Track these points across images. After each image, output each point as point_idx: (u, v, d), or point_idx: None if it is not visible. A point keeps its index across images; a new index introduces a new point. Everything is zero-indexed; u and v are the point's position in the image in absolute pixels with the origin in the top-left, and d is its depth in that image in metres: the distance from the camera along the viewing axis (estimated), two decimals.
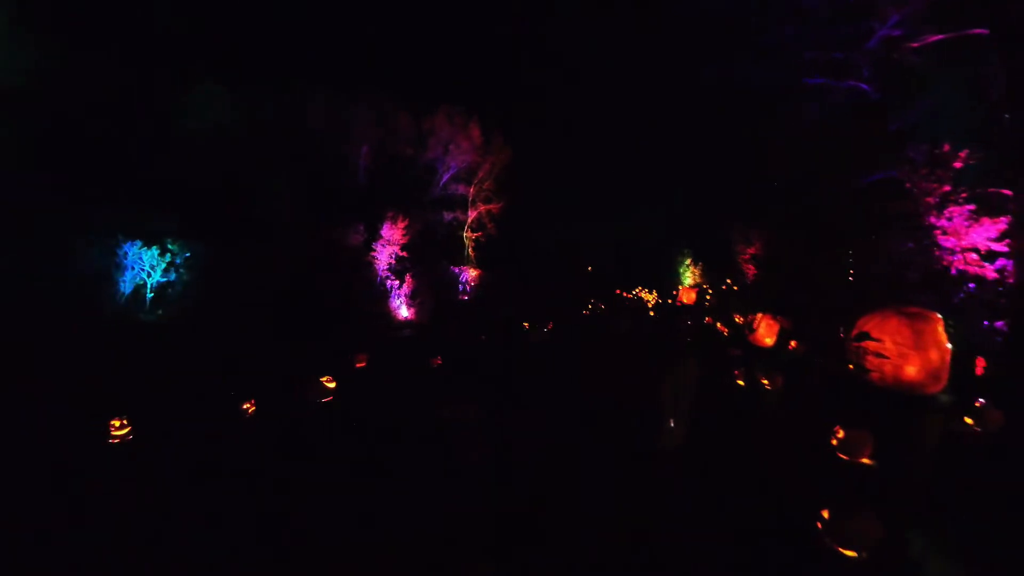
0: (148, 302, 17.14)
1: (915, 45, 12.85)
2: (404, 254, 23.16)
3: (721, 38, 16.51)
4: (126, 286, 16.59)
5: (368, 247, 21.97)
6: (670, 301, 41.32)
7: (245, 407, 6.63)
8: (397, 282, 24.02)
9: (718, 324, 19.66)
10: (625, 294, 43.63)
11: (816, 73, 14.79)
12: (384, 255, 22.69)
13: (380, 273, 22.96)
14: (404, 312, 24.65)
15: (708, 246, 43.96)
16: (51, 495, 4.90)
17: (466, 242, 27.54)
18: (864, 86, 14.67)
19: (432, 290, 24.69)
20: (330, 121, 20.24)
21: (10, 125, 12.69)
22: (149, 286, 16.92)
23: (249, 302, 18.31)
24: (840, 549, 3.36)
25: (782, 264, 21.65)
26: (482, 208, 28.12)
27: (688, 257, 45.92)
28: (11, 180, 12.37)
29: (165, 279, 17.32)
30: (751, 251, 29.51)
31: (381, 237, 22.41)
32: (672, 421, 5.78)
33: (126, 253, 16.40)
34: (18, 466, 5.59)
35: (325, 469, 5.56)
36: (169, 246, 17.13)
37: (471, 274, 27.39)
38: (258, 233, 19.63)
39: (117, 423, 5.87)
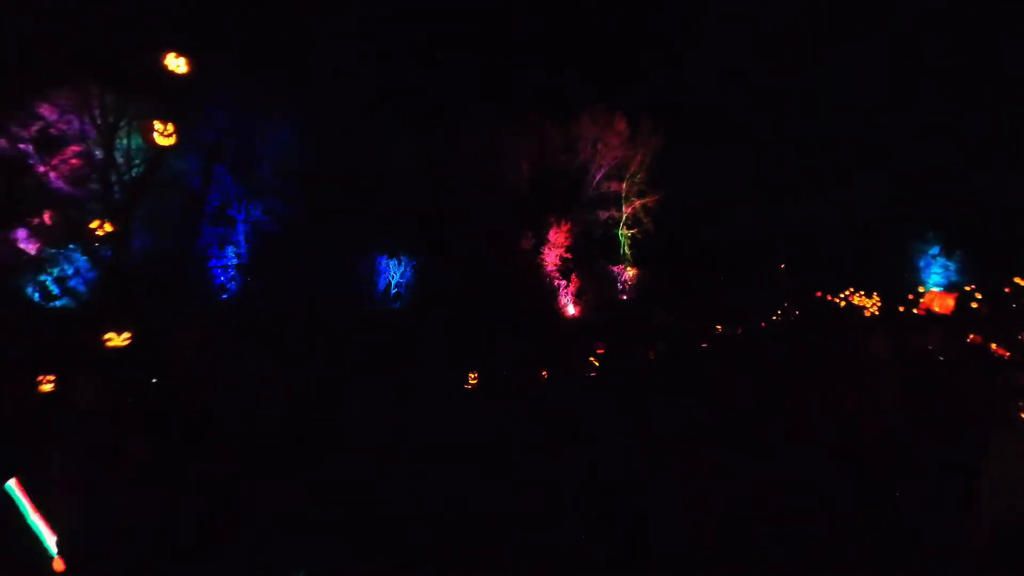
0: (392, 296, 25.45)
1: None
2: (568, 256, 27.06)
3: None
4: (380, 285, 25.13)
5: (537, 251, 26.73)
6: (902, 309, 33.71)
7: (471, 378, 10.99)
8: (564, 282, 28.07)
9: (992, 344, 14.79)
10: (830, 297, 35.71)
11: None
12: (550, 257, 26.99)
13: (548, 274, 27.43)
14: (571, 310, 28.46)
15: (970, 227, 33.83)
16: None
17: (622, 240, 28.86)
18: None
19: (595, 289, 27.74)
20: (492, 146, 24.95)
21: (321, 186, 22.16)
22: (392, 284, 25.14)
23: (456, 296, 25.05)
24: None
25: None
26: (636, 203, 28.59)
27: (934, 244, 35.99)
28: (317, 220, 21.62)
29: (403, 280, 25.41)
30: None
31: (548, 241, 26.80)
32: None
33: (380, 263, 24.93)
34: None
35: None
36: (403, 257, 25.18)
37: (629, 273, 28.57)
38: (458, 245, 26.56)
39: None
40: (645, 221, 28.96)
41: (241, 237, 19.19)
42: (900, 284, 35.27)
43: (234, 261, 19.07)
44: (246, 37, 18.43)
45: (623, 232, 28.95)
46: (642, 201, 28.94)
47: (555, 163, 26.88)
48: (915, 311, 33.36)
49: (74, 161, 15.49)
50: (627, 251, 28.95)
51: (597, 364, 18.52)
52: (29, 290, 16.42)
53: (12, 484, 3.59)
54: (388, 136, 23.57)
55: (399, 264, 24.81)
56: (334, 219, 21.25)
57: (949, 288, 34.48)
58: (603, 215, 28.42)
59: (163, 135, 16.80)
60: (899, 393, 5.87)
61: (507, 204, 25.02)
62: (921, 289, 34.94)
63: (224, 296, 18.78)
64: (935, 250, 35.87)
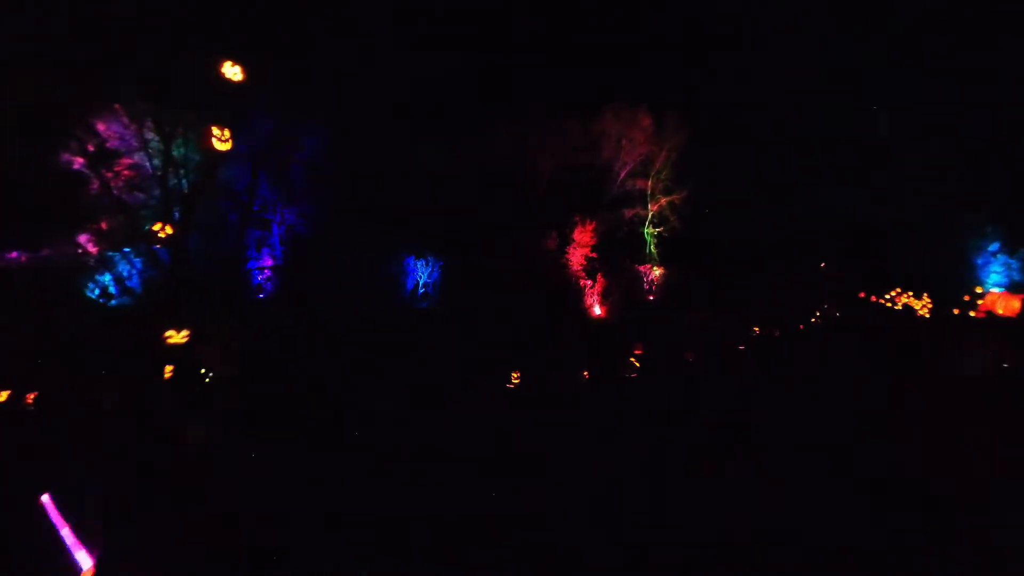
0: (419, 296, 26.14)
1: None
2: (593, 255, 26.93)
3: None
4: (408, 285, 25.86)
5: (561, 251, 26.76)
6: (957, 311, 31.40)
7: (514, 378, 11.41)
8: (590, 282, 27.96)
9: None
10: (875, 298, 33.11)
11: None
12: (576, 257, 26.94)
13: (574, 274, 27.38)
14: (597, 310, 28.30)
15: None
16: None
17: (648, 239, 28.39)
18: None
19: (621, 289, 27.44)
20: (515, 147, 25.09)
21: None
22: (420, 284, 25.81)
23: (482, 296, 25.45)
24: None
25: None
26: (663, 201, 28.05)
27: (993, 240, 32.10)
28: (346, 222, 22.52)
29: (430, 280, 26.05)
30: None
31: (573, 241, 26.79)
32: None
33: (408, 263, 25.65)
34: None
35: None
36: (430, 258, 25.81)
37: (655, 272, 28.07)
38: (483, 245, 26.94)
39: None
40: (672, 219, 28.28)
41: (276, 240, 20.25)
42: (954, 284, 32.68)
43: (269, 263, 20.14)
44: (285, 48, 19.44)
45: (649, 230, 28.43)
46: (668, 198, 28.27)
47: (578, 161, 26.62)
48: (972, 314, 31.08)
49: (127, 172, 16.89)
50: (653, 250, 28.42)
51: (638, 365, 18.53)
52: (90, 289, 17.98)
53: (45, 499, 4.00)
54: (413, 138, 24.27)
55: (426, 264, 25.49)
56: (362, 221, 22.10)
57: (1012, 288, 31.86)
58: (628, 213, 27.97)
59: (221, 140, 18.15)
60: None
61: (531, 204, 25.21)
62: (979, 290, 32.35)
63: (260, 296, 19.87)
64: (995, 246, 33.03)
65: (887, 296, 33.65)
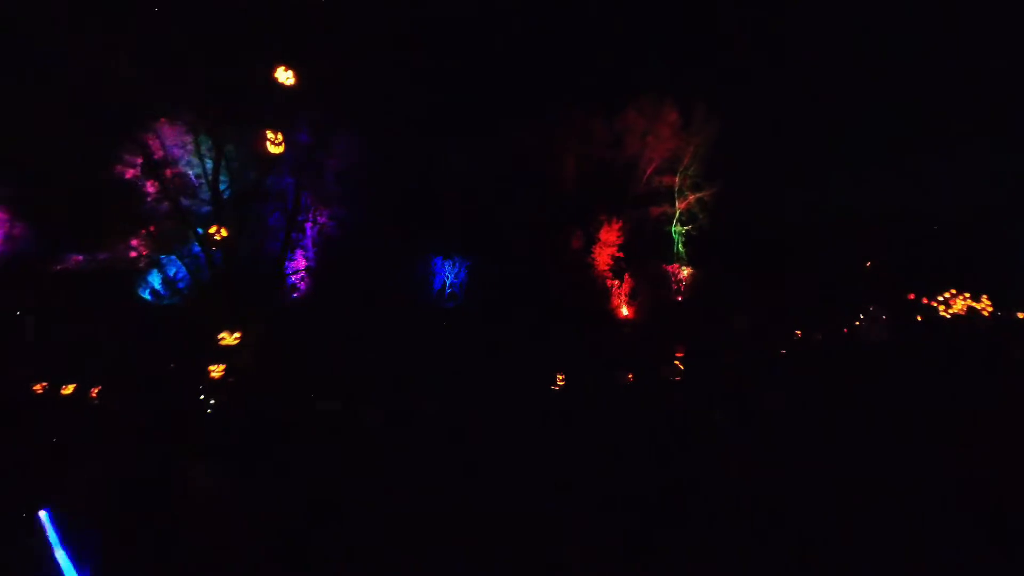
0: (447, 296, 26.62)
1: None
2: (620, 255, 26.54)
3: None
4: (436, 285, 26.36)
5: (587, 250, 26.54)
6: (1023, 315, 29.07)
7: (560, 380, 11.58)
8: (617, 282, 27.58)
9: None
10: (926, 299, 30.50)
11: None
12: (602, 257, 26.63)
13: (601, 274, 27.08)
14: (624, 311, 27.88)
15: None
16: None
17: (676, 237, 27.69)
18: None
19: (649, 289, 26.89)
20: (537, 146, 25.04)
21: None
22: (447, 284, 26.27)
23: (509, 297, 25.66)
24: None
25: None
26: (691, 198, 27.28)
27: None
28: (375, 224, 23.17)
29: (456, 280, 26.47)
30: None
31: (599, 240, 26.50)
32: None
33: (436, 264, 26.15)
34: None
35: None
36: (456, 258, 26.22)
37: (684, 272, 27.35)
38: (509, 245, 27.10)
39: None
40: (701, 216, 27.43)
41: (309, 241, 21.11)
42: (1018, 285, 30.30)
43: (303, 264, 21.01)
44: (325, 54, 20.12)
45: (677, 229, 27.67)
46: (697, 195, 27.41)
47: (602, 158, 26.27)
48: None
49: (176, 180, 18.06)
50: (681, 249, 27.64)
51: (682, 368, 18.41)
52: (143, 289, 19.29)
53: (43, 515, 4.05)
54: (438, 139, 24.73)
55: (453, 265, 25.92)
56: (391, 222, 22.73)
57: None
58: (655, 211, 27.31)
59: (275, 144, 19.14)
60: None
61: (556, 203, 25.17)
62: None
63: (294, 295, 20.77)
64: None
65: (940, 298, 31.51)
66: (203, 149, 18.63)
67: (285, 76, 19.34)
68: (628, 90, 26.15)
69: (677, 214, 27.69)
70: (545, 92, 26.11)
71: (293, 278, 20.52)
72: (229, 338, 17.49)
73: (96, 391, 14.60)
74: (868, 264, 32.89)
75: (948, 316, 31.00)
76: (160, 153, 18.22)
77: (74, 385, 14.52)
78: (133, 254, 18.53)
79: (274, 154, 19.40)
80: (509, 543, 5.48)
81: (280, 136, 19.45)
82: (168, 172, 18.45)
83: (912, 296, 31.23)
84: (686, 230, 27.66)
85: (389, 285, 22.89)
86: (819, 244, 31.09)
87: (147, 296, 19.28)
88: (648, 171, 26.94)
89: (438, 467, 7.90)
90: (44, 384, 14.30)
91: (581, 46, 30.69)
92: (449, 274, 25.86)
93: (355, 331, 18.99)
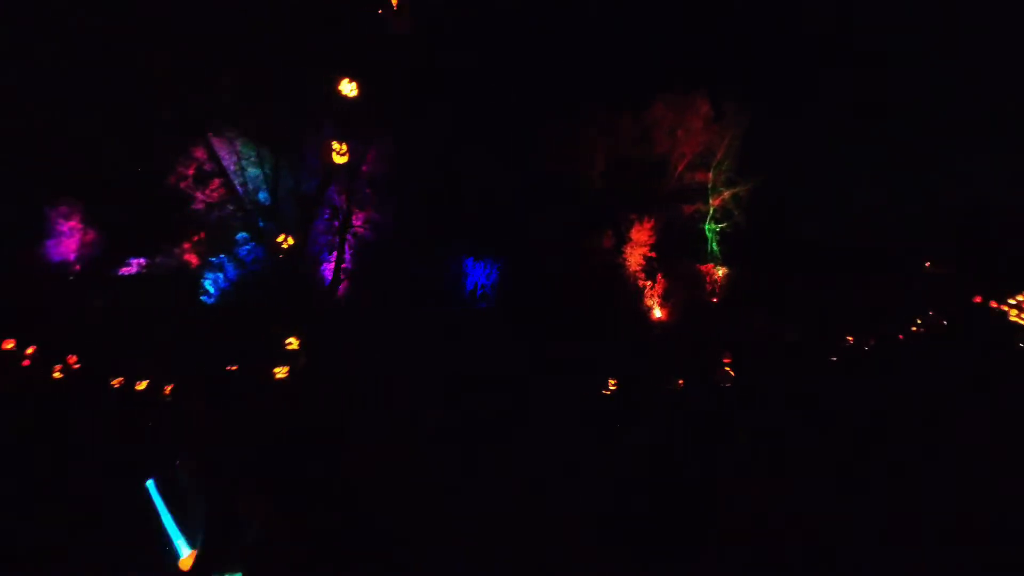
0: (478, 297, 27.09)
1: None
2: (652, 255, 26.04)
3: None
4: (467, 286, 26.89)
5: (618, 250, 26.24)
6: None
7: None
8: (649, 283, 27.08)
9: None
10: (995, 303, 27.20)
11: None
12: (634, 257, 26.24)
13: (632, 274, 26.69)
14: (657, 312, 27.31)
15: None
16: None
17: (710, 236, 26.89)
18: None
19: (683, 290, 26.21)
20: (564, 145, 24.87)
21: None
22: (478, 285, 26.73)
23: (539, 295, 25.83)
24: None
25: None
26: (725, 194, 26.30)
27: None
28: (407, 226, 23.88)
29: (487, 282, 26.90)
30: None
31: (630, 240, 26.12)
32: None
33: (468, 265, 26.66)
34: None
35: None
36: (487, 259, 26.61)
37: (719, 272, 26.52)
38: (538, 247, 27.24)
39: None
40: (736, 213, 26.40)
41: (345, 244, 22.06)
42: None
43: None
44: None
45: (711, 227, 26.80)
46: (732, 191, 26.37)
47: (630, 155, 25.61)
48: None
49: (220, 191, 19.38)
50: (715, 247, 26.76)
51: (732, 374, 18.18)
52: (201, 292, 20.71)
53: (151, 483, 4.06)
54: (467, 141, 25.15)
55: (484, 266, 26.35)
56: (422, 224, 23.37)
57: None
58: (688, 209, 26.50)
59: (340, 154, 20.02)
60: None
61: (584, 202, 25.04)
62: None
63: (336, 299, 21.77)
64: None
65: (1013, 301, 28.82)
66: (267, 161, 19.62)
67: (349, 88, 20.02)
68: (657, 82, 25.54)
69: (711, 211, 26.84)
70: (574, 90, 25.96)
71: (341, 285, 21.43)
72: (295, 343, 18.18)
73: (169, 388, 15.18)
74: (928, 264, 30.89)
75: (1021, 322, 28.35)
76: (213, 164, 19.48)
77: (147, 381, 14.97)
78: (195, 259, 19.99)
79: (338, 164, 20.08)
80: (531, 545, 5.64)
81: (345, 147, 20.23)
82: (209, 187, 19.58)
83: (979, 299, 28.79)
84: (720, 228, 26.80)
85: (423, 287, 23.53)
86: (872, 243, 29.24)
87: (206, 300, 20.65)
88: (680, 167, 26.18)
89: (488, 468, 8.18)
90: (120, 380, 15.18)
91: (608, 41, 30.10)
92: (480, 275, 26.30)
93: (403, 333, 19.26)
